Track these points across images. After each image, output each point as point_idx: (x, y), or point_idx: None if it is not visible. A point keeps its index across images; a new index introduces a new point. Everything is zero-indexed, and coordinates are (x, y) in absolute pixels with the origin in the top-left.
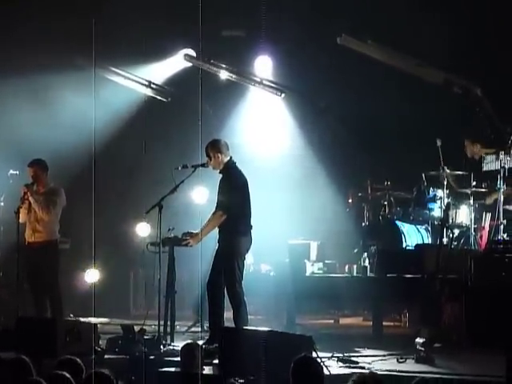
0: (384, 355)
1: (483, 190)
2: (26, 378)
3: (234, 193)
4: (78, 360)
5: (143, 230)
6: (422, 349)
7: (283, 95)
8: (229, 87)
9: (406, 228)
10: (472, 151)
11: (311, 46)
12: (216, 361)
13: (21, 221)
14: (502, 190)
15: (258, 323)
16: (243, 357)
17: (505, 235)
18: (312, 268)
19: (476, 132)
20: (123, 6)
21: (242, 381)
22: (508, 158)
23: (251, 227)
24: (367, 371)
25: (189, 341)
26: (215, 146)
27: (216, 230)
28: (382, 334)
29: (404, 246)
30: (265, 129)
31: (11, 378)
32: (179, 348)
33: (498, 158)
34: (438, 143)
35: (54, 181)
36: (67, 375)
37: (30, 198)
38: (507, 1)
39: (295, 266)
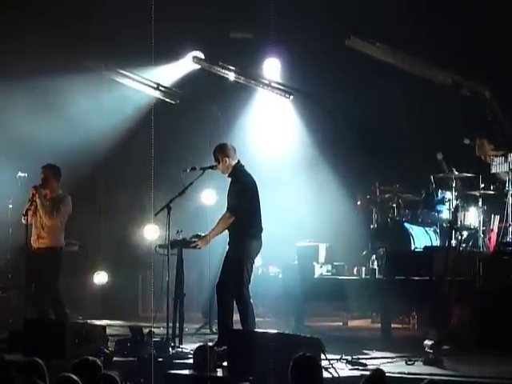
0: (392, 357)
1: (492, 192)
2: (36, 381)
3: (243, 196)
4: (96, 360)
5: (152, 232)
6: (431, 351)
7: (291, 97)
8: (237, 89)
9: (414, 230)
10: (483, 151)
11: (319, 48)
12: (225, 363)
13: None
14: (510, 192)
15: (266, 325)
16: (252, 359)
17: None
18: (320, 270)
19: (486, 134)
20: (131, 8)
21: None
22: None
23: (262, 230)
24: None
25: (201, 343)
26: (222, 151)
27: (225, 232)
28: (391, 336)
29: (412, 248)
30: (273, 131)
31: (23, 380)
32: (188, 350)
33: (506, 160)
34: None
35: (63, 182)
36: (74, 377)
37: (37, 201)
38: None
39: (304, 268)
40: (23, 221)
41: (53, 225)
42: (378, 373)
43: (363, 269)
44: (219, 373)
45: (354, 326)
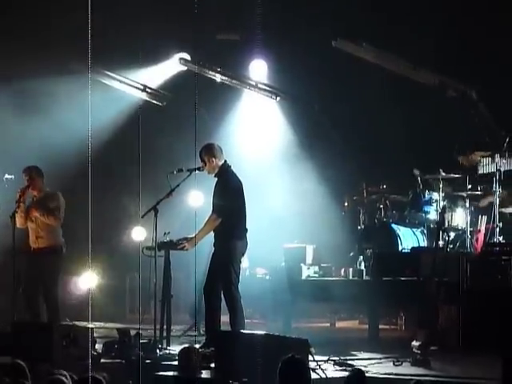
0: (380, 358)
1: (479, 192)
2: (24, 382)
3: (229, 196)
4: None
5: (139, 233)
6: (418, 352)
7: (278, 98)
8: (224, 91)
9: (401, 231)
10: (469, 161)
11: (306, 49)
12: (212, 365)
13: (17, 225)
14: (497, 192)
15: (254, 327)
16: (240, 360)
17: (500, 238)
18: (308, 271)
19: (471, 135)
20: (118, 9)
21: None
22: (503, 161)
23: (246, 231)
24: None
25: (186, 345)
26: (209, 151)
27: (212, 233)
28: (378, 337)
29: (400, 249)
30: (259, 132)
31: (10, 382)
32: (175, 352)
33: (493, 161)
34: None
35: (49, 185)
36: (65, 380)
37: (36, 213)
38: (502, 4)
39: (291, 270)
40: (18, 225)
41: (56, 224)
42: (358, 373)
43: (350, 270)
44: (205, 374)
45: (341, 327)
